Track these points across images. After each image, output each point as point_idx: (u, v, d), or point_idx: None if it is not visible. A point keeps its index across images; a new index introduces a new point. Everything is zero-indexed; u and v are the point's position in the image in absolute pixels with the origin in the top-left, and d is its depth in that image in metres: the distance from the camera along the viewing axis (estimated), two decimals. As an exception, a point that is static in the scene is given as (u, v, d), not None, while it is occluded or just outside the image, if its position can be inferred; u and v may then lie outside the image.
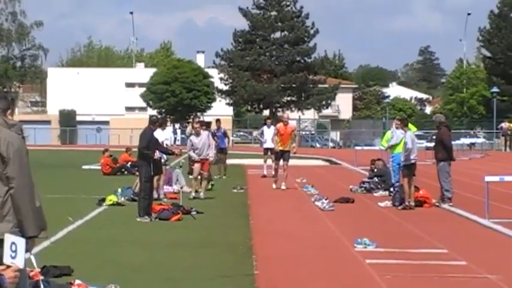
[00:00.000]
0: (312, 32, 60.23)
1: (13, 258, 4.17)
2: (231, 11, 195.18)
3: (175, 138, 53.52)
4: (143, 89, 61.44)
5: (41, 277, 7.51)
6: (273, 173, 21.00)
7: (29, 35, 74.86)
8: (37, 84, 76.91)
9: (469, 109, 67.71)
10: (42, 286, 7.03)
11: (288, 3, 60.10)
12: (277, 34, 59.41)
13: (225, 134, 25.56)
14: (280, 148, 19.78)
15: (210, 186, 19.33)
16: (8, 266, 4.19)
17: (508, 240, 12.17)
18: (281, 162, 19.89)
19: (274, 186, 19.84)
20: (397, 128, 18.06)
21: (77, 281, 7.91)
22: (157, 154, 15.21)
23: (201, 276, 8.88)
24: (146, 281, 8.56)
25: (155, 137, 15.02)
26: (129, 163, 24.66)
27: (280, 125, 20.38)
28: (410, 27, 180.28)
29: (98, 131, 64.69)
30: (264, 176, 23.77)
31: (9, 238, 4.25)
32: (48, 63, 79.03)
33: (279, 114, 21.15)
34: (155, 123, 15.39)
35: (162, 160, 16.63)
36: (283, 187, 19.28)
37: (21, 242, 4.22)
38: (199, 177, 17.94)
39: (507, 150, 45.73)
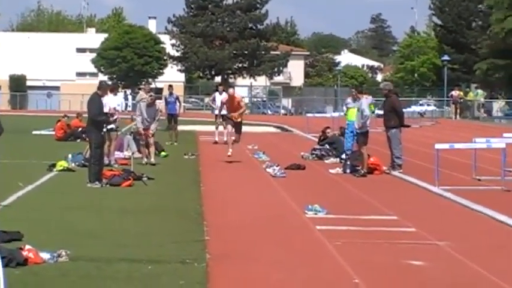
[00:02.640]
0: (264, -2, 60.10)
1: None
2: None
3: (126, 104, 53.44)
4: (94, 55, 60.98)
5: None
6: (225, 139, 21.48)
7: (-23, -1, 74.18)
8: (-14, 49, 75.88)
9: (420, 77, 68.59)
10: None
11: (240, -31, 60.14)
12: (230, 0, 59.23)
13: (177, 100, 25.87)
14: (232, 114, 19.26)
15: (164, 154, 19.92)
16: None
17: (457, 207, 12.52)
18: (232, 130, 19.50)
19: (229, 152, 18.77)
20: (354, 100, 18.30)
21: (27, 246, 7.89)
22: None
23: (152, 242, 8.98)
24: (97, 247, 8.59)
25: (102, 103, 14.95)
26: (80, 129, 24.67)
27: (225, 96, 20.28)
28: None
29: (48, 96, 64.88)
30: (216, 143, 24.38)
31: None
32: (-3, 27, 78.74)
33: (230, 90, 19.95)
34: (103, 88, 15.26)
35: (113, 126, 16.65)
36: (229, 153, 18.49)
37: None
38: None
39: (457, 118, 46.66)
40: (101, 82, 16.14)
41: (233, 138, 19.24)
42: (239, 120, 19.29)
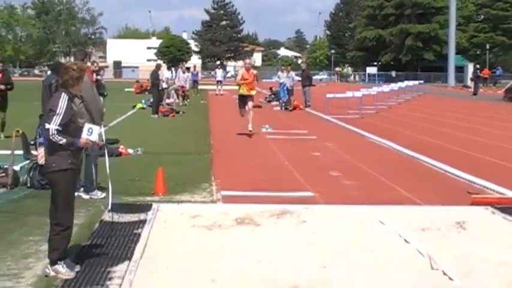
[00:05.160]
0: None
1: (88, 135, 6.44)
2: None
3: (171, 75, 73.41)
4: (155, 50, 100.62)
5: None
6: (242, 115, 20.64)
7: None
8: None
9: (320, 61, 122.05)
10: (103, 146, 9.48)
11: None
12: (224, 22, 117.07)
13: (197, 73, 46.93)
14: (246, 93, 19.40)
15: (186, 102, 33.69)
16: None
17: (337, 126, 21.93)
18: (248, 105, 19.41)
19: (249, 128, 19.29)
20: (282, 71, 31.81)
21: (121, 146, 15.27)
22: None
23: (184, 144, 16.94)
24: (157, 147, 16.20)
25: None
26: (148, 87, 39.44)
27: (243, 71, 19.71)
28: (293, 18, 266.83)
29: (133, 71, 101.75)
30: (216, 95, 42.58)
31: (86, 125, 6.53)
32: None
33: (247, 60, 20.96)
34: (159, 67, 29.29)
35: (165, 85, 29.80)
36: (250, 128, 19.14)
37: (95, 128, 6.52)
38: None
39: (338, 82, 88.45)
40: (157, 64, 28.14)
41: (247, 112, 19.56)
42: (253, 94, 19.76)
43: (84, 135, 6.49)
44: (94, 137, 6.53)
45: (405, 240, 7.69)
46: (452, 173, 12.73)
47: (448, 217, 8.80)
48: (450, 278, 6.32)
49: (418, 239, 7.66)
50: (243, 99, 19.41)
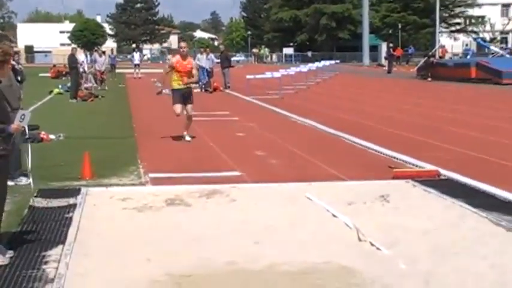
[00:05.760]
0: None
1: (21, 121, 6.44)
2: None
3: (87, 59, 72.05)
4: (69, 34, 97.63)
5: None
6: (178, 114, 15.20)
7: None
8: None
9: (237, 43, 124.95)
10: (27, 132, 9.74)
11: None
12: (139, 5, 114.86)
13: (115, 57, 48.93)
14: (183, 86, 14.64)
15: (106, 87, 33.25)
16: None
17: (258, 106, 22.47)
18: (187, 108, 14.85)
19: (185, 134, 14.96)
20: (201, 53, 31.48)
21: (42, 132, 15.01)
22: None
23: (106, 128, 16.89)
24: (78, 131, 16.23)
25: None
26: (64, 72, 41.58)
27: (177, 58, 14.76)
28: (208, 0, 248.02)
29: (46, 56, 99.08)
30: (135, 78, 42.91)
31: (20, 112, 6.64)
32: None
33: (182, 44, 15.13)
34: (74, 51, 29.33)
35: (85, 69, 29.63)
36: (187, 138, 14.84)
37: (27, 113, 6.56)
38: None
39: (255, 63, 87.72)
40: (72, 48, 28.28)
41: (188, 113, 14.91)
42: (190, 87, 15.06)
43: (17, 121, 6.42)
44: (25, 123, 6.48)
45: (332, 215, 7.94)
46: (373, 149, 13.13)
47: (372, 191, 9.12)
48: (378, 248, 6.59)
49: (344, 213, 7.92)
50: (179, 95, 14.61)
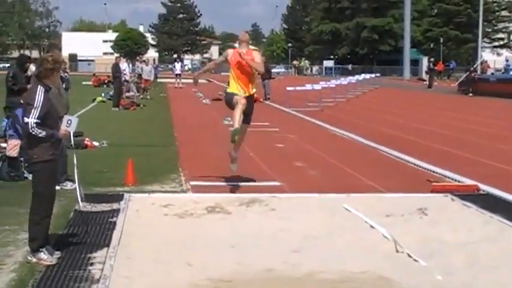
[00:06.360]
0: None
1: (67, 126, 6.68)
2: None
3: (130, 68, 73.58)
4: (112, 44, 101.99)
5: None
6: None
7: None
8: None
9: (277, 55, 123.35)
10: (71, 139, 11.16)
11: None
12: (180, 15, 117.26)
13: (157, 66, 47.47)
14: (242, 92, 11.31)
15: (148, 96, 34.02)
16: None
17: (298, 118, 22.43)
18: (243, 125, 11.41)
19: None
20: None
21: (86, 139, 15.36)
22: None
23: (149, 135, 17.25)
24: (122, 139, 16.47)
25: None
26: (106, 80, 43.67)
27: (231, 51, 11.41)
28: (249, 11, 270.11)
29: (89, 64, 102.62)
30: (176, 88, 43.36)
31: (66, 117, 6.79)
32: None
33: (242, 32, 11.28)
34: (119, 59, 29.78)
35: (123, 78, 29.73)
36: (234, 154, 11.31)
37: (74, 119, 6.79)
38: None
39: (296, 75, 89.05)
40: (116, 57, 28.67)
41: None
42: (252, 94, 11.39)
43: (64, 126, 6.66)
44: (72, 128, 6.71)
45: (370, 226, 8.03)
46: (412, 163, 13.15)
47: (410, 204, 9.18)
48: (415, 260, 6.67)
49: (382, 224, 7.99)
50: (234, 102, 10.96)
